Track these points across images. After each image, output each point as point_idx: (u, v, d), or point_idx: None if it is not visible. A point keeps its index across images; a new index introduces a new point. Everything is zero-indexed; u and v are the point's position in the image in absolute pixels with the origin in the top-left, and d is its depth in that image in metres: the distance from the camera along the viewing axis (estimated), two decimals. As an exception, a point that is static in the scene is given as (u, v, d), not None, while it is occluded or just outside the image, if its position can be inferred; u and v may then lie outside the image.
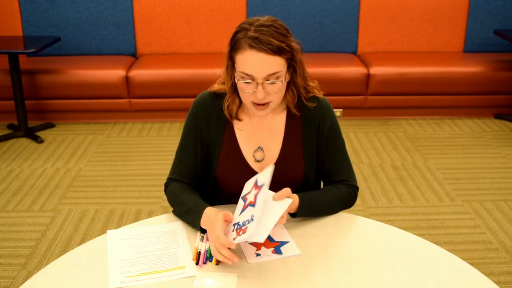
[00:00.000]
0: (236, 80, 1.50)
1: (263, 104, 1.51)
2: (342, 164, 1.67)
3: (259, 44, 1.42)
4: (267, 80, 1.46)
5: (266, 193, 1.42)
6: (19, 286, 1.58)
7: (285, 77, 1.50)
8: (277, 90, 1.48)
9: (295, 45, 1.50)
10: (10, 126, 4.29)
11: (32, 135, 4.08)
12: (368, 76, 4.34)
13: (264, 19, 1.48)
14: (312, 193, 1.59)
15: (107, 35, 4.68)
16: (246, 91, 1.49)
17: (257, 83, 1.46)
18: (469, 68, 4.39)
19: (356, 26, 4.73)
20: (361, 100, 4.41)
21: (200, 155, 1.64)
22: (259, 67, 1.44)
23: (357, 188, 1.67)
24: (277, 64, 1.45)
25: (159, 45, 4.73)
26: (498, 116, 4.48)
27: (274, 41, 1.43)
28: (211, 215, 1.45)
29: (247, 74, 1.46)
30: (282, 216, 1.41)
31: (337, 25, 4.71)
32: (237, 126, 1.63)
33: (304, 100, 1.61)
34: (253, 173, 1.59)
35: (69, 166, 3.64)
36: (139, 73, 4.30)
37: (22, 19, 4.60)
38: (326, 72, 4.29)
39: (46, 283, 1.32)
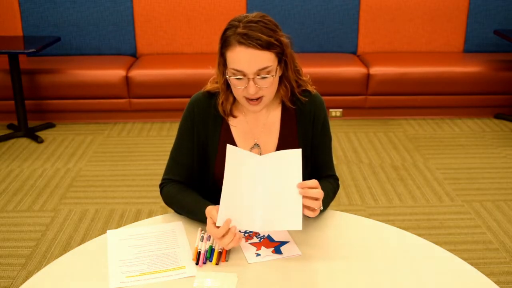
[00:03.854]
0: (227, 76, 1.52)
1: (256, 99, 1.52)
2: (330, 160, 1.73)
3: (248, 40, 1.44)
4: (258, 75, 1.47)
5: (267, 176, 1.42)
6: (19, 286, 1.58)
7: (276, 72, 1.51)
8: (268, 85, 1.50)
9: (284, 39, 1.52)
10: (10, 126, 4.29)
11: (32, 135, 4.08)
12: (368, 76, 4.34)
13: (252, 15, 1.51)
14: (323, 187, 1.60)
15: (107, 35, 4.68)
16: (238, 87, 1.51)
17: (248, 79, 1.48)
18: (469, 68, 4.39)
19: (356, 26, 4.73)
20: (361, 100, 4.41)
21: (196, 154, 1.65)
22: (249, 62, 1.46)
23: (338, 179, 1.75)
24: (267, 58, 1.47)
25: (159, 45, 4.73)
26: (498, 116, 4.48)
27: (263, 36, 1.45)
28: (210, 213, 1.45)
29: (238, 70, 1.48)
30: (314, 210, 1.42)
31: (337, 25, 4.71)
32: (232, 123, 1.64)
33: (297, 93, 1.63)
34: None
35: (69, 166, 3.64)
36: (139, 73, 4.30)
37: (22, 19, 4.60)
38: (326, 72, 4.29)
39: (46, 283, 1.32)
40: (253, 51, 1.45)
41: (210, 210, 1.45)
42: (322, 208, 1.48)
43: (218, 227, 1.39)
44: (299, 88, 1.63)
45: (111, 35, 4.68)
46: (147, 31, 4.69)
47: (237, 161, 1.41)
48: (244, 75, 1.47)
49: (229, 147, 1.41)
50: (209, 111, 1.64)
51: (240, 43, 1.45)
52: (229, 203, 1.39)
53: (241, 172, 1.41)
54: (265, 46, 1.45)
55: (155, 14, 4.65)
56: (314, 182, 1.41)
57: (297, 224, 1.37)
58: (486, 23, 4.73)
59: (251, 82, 1.47)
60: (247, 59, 1.46)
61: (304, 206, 1.39)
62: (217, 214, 1.39)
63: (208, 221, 1.42)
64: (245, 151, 1.45)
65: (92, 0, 4.58)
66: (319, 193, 1.40)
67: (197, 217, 1.53)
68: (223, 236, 1.38)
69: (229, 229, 1.38)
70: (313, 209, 1.41)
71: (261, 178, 1.41)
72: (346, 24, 4.71)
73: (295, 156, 1.40)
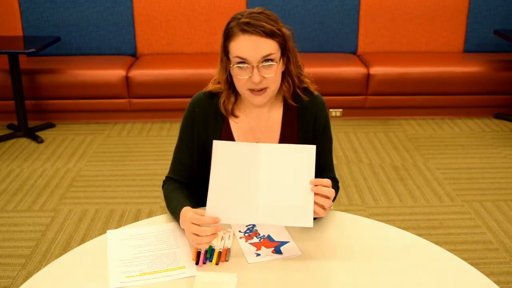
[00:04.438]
0: (231, 66, 1.52)
1: (260, 90, 1.52)
2: (331, 161, 1.72)
3: (252, 28, 1.46)
4: (261, 62, 1.48)
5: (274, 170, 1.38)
6: (19, 286, 1.58)
7: (279, 62, 1.52)
8: (272, 73, 1.50)
9: (286, 31, 1.54)
10: (10, 126, 4.29)
11: (32, 135, 4.08)
12: (368, 76, 4.34)
13: (254, 9, 1.53)
14: None
15: (107, 35, 4.68)
16: (242, 77, 1.51)
17: (252, 67, 1.48)
18: (469, 68, 4.39)
19: (356, 26, 4.73)
20: (361, 100, 4.41)
21: (197, 154, 1.65)
22: (253, 49, 1.47)
23: (338, 181, 1.75)
24: (270, 46, 1.48)
25: (159, 45, 4.73)
26: (498, 116, 4.48)
27: (266, 25, 1.47)
28: (186, 214, 1.43)
29: (241, 58, 1.48)
30: (324, 209, 1.40)
31: (337, 25, 4.71)
32: (234, 121, 1.64)
33: (298, 90, 1.63)
34: None
35: (69, 166, 3.64)
36: (139, 73, 4.30)
37: (22, 19, 4.60)
38: (326, 72, 4.29)
39: (46, 283, 1.32)
40: (257, 38, 1.46)
41: (187, 210, 1.43)
42: (332, 207, 1.47)
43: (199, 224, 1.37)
44: (300, 85, 1.64)
45: (111, 35, 4.68)
46: (147, 31, 4.69)
47: (227, 155, 1.37)
48: (248, 63, 1.48)
49: (215, 142, 1.38)
50: (210, 110, 1.64)
51: (244, 31, 1.47)
52: (218, 201, 1.37)
53: (234, 164, 1.37)
54: (269, 33, 1.47)
55: (155, 14, 4.65)
56: (327, 181, 1.39)
57: (308, 221, 1.36)
58: (486, 23, 4.72)
59: (255, 70, 1.48)
60: (251, 46, 1.47)
61: (315, 204, 1.38)
62: (193, 214, 1.38)
63: (188, 215, 1.39)
64: (240, 143, 1.42)
65: (92, 0, 4.58)
66: (331, 192, 1.39)
67: (177, 219, 1.51)
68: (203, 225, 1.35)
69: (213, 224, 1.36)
70: (323, 208, 1.40)
71: (265, 168, 1.37)
72: (346, 24, 4.71)
73: (309, 151, 1.37)
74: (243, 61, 1.48)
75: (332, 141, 1.73)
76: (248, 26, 1.46)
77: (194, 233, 1.36)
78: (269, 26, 1.47)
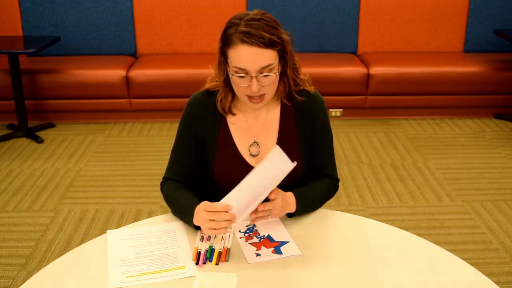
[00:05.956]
0: (230, 75, 1.52)
1: (258, 97, 1.52)
2: (330, 159, 1.72)
3: (251, 38, 1.45)
4: (260, 73, 1.48)
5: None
6: (19, 286, 1.58)
7: (278, 69, 1.52)
8: (271, 82, 1.51)
9: (285, 36, 1.53)
10: (10, 126, 4.29)
11: (32, 135, 4.08)
12: (368, 76, 4.34)
13: (253, 13, 1.51)
14: (304, 190, 1.61)
15: (107, 35, 4.68)
16: (241, 85, 1.51)
17: (251, 77, 1.48)
18: (469, 68, 4.39)
19: (356, 26, 4.73)
20: (361, 100, 4.41)
21: (195, 154, 1.65)
22: (252, 61, 1.46)
23: (338, 181, 1.74)
24: (270, 56, 1.47)
25: (159, 45, 4.73)
26: (498, 116, 4.48)
27: (265, 34, 1.45)
28: (200, 209, 1.45)
29: (241, 69, 1.48)
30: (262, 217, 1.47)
31: (337, 25, 4.71)
32: (231, 120, 1.64)
33: (293, 92, 1.63)
34: (249, 167, 1.58)
35: (69, 166, 3.64)
36: (139, 73, 4.30)
37: (22, 19, 4.59)
38: (326, 72, 4.29)
39: (46, 283, 1.32)
40: (256, 50, 1.45)
41: (204, 203, 1.46)
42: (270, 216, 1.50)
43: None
44: (296, 87, 1.63)
45: (111, 35, 4.68)
46: (147, 31, 4.69)
47: (274, 163, 1.41)
48: (247, 73, 1.48)
49: (276, 148, 1.42)
50: (208, 110, 1.64)
51: (243, 41, 1.46)
52: (236, 197, 1.40)
53: (270, 172, 1.41)
54: (268, 44, 1.46)
55: (155, 14, 4.65)
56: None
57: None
58: (486, 23, 4.72)
59: (254, 80, 1.48)
60: (250, 57, 1.46)
61: (260, 211, 1.44)
62: (205, 203, 1.43)
63: (200, 205, 1.44)
64: (285, 157, 1.44)
65: (92, 0, 4.58)
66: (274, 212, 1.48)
67: (186, 218, 1.52)
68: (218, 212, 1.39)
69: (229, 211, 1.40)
70: (264, 217, 1.47)
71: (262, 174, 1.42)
72: (346, 24, 4.71)
73: (286, 167, 1.41)
74: (242, 71, 1.48)
75: (332, 138, 1.72)
76: (247, 36, 1.45)
77: (210, 219, 1.38)
78: (268, 36, 1.45)
